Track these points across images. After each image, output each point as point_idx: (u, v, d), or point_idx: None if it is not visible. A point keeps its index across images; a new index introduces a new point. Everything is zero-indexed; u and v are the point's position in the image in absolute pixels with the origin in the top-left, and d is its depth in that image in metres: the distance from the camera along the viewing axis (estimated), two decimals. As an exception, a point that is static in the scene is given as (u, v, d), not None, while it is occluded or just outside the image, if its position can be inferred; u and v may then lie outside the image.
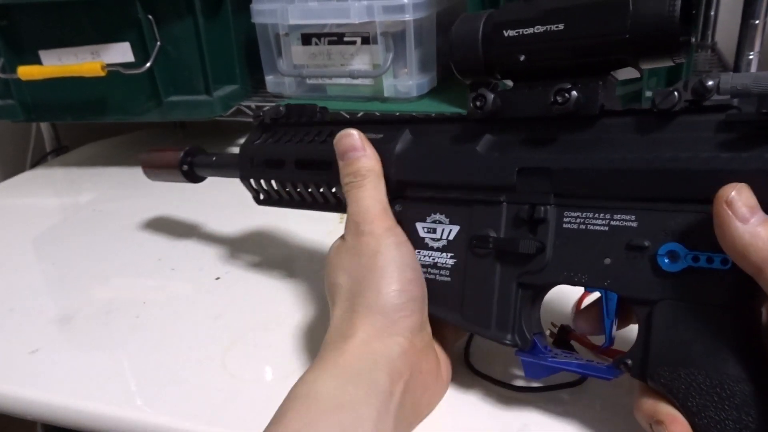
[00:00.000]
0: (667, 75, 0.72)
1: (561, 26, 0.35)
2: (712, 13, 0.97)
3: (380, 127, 0.46)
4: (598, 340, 0.41)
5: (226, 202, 0.56)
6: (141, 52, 0.85)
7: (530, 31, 0.36)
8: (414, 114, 0.46)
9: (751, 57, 0.72)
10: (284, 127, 0.53)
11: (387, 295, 0.39)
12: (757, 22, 0.71)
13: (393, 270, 0.39)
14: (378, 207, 0.42)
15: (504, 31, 0.37)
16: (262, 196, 0.56)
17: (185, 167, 0.62)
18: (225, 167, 0.58)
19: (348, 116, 0.49)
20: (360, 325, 0.38)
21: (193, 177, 0.63)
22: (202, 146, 0.63)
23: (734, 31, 0.75)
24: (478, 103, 0.39)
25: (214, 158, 0.61)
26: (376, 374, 0.36)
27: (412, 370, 0.38)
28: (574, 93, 0.36)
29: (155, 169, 0.65)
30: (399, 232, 0.42)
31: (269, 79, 0.92)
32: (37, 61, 0.88)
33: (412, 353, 0.39)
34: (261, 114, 0.54)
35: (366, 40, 0.82)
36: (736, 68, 0.74)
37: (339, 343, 0.38)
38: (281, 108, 0.53)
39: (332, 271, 0.43)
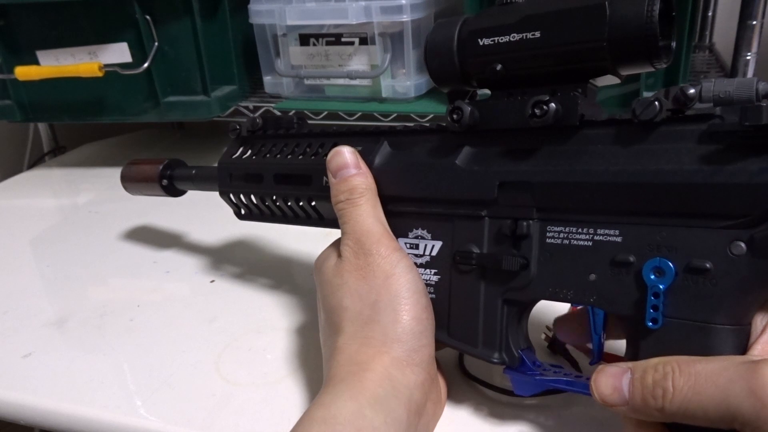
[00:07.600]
0: (664, 75, 0.71)
1: (537, 34, 0.34)
2: (710, 13, 0.97)
3: (358, 139, 0.45)
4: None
5: (222, 206, 0.55)
6: (139, 52, 0.85)
7: (506, 39, 0.35)
8: (392, 125, 0.45)
9: (748, 58, 0.72)
10: (262, 140, 0.52)
11: (405, 323, 0.37)
12: (754, 22, 0.71)
13: (410, 296, 0.38)
14: (380, 227, 0.40)
15: (479, 40, 0.36)
16: (243, 211, 0.54)
17: (165, 181, 0.60)
18: (205, 180, 0.57)
19: (324, 128, 0.49)
20: (376, 353, 0.37)
21: (173, 191, 0.61)
22: (201, 149, 0.62)
23: (732, 32, 0.75)
24: (455, 116, 0.38)
25: (194, 171, 0.59)
26: (395, 403, 0.35)
27: (427, 401, 0.38)
28: (553, 105, 0.34)
29: (134, 183, 0.64)
30: (407, 255, 0.40)
31: (267, 79, 0.92)
32: (35, 62, 0.88)
33: (429, 383, 0.38)
34: (237, 126, 0.53)
35: (364, 41, 0.82)
36: (734, 69, 0.74)
37: (353, 369, 0.37)
38: (258, 120, 0.52)
39: (335, 292, 0.40)
